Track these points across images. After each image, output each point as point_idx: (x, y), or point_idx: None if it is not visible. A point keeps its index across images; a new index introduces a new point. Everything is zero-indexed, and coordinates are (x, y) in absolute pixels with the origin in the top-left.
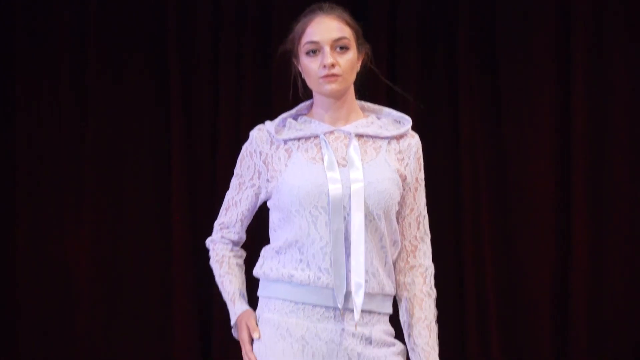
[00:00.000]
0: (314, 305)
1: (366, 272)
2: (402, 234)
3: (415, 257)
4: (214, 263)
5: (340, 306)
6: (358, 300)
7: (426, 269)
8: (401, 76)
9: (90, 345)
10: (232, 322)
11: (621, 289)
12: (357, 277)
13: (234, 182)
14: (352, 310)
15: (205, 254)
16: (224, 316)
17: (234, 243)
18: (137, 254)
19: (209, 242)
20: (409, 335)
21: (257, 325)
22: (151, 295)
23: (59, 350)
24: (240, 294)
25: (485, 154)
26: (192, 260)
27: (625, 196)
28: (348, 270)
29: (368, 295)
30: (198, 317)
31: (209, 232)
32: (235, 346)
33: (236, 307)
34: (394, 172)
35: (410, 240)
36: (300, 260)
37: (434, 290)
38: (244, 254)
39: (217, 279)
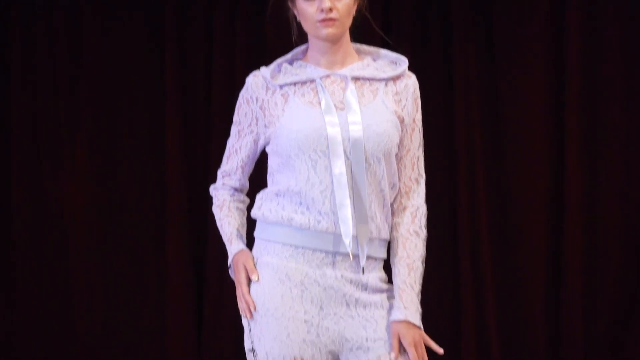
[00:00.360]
0: (314, 250)
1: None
2: (398, 176)
3: (408, 198)
4: (215, 208)
5: (349, 250)
6: (364, 245)
7: (417, 208)
8: (395, 25)
9: (85, 281)
10: (229, 262)
11: (615, 267)
12: (362, 221)
13: (233, 129)
14: (347, 255)
15: (198, 190)
16: (217, 257)
17: (236, 190)
18: (131, 192)
19: (211, 189)
20: (393, 275)
21: (255, 267)
22: (144, 232)
23: (54, 288)
24: (237, 235)
25: (479, 99)
26: (185, 198)
27: (619, 161)
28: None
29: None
30: (191, 255)
31: (202, 171)
32: (231, 291)
33: (232, 246)
34: (392, 114)
35: (404, 182)
36: (300, 204)
37: (424, 230)
38: (246, 199)
39: (217, 222)
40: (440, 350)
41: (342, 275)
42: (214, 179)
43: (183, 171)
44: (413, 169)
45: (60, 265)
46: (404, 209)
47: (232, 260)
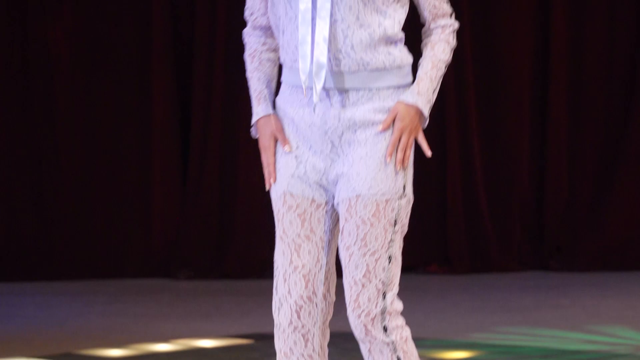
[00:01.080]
0: (298, 88)
1: (339, 51)
2: (421, 7)
3: (435, 21)
4: (247, 56)
5: (304, 86)
6: (318, 81)
7: (449, 25)
8: None
9: (69, 123)
10: (253, 121)
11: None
12: (320, 56)
13: None
14: (333, 91)
15: (183, 39)
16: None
17: (266, 32)
18: (117, 28)
19: (244, 34)
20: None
21: (286, 137)
22: (130, 71)
23: (39, 130)
24: (265, 94)
25: None
26: (170, 33)
27: (604, 10)
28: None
29: (346, 74)
30: (177, 93)
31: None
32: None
33: (260, 107)
34: None
35: (429, 10)
36: (281, 42)
37: (454, 41)
38: (277, 47)
39: (247, 73)
40: (429, 153)
41: (324, 112)
42: (201, 11)
43: (168, 6)
44: None
45: (45, 105)
46: (433, 29)
47: (257, 123)
